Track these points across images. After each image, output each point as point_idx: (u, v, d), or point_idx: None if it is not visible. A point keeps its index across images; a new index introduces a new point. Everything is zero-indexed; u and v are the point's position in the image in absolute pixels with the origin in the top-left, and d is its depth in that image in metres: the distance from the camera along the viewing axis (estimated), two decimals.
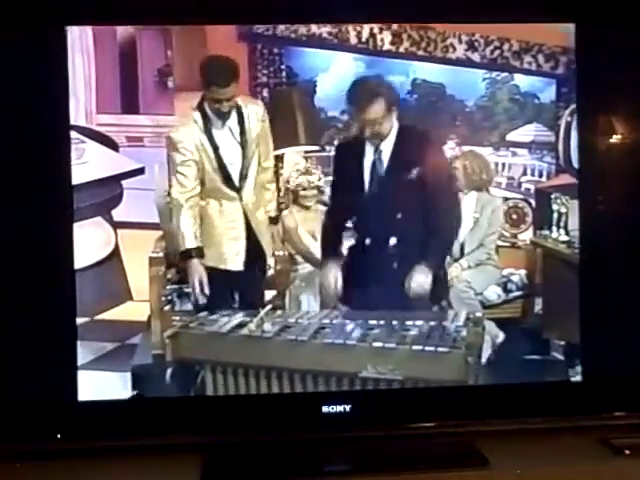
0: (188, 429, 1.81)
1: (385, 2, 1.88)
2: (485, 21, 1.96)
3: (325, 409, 1.83)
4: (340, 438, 1.83)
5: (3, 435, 1.75)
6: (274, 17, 1.90)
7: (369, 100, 1.92)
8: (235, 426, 1.84)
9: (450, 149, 2.04)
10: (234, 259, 2.00)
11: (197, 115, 1.95)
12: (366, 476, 1.72)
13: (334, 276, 1.98)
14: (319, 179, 2.10)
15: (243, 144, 1.98)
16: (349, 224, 2.01)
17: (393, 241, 1.97)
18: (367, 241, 1.98)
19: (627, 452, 1.80)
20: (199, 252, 1.95)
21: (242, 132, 1.98)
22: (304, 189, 2.10)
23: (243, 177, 1.99)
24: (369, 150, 1.98)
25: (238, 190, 1.99)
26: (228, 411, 1.86)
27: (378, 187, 1.97)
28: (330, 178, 2.04)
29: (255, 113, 1.98)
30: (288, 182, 2.10)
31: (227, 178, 1.98)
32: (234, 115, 1.97)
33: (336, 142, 2.02)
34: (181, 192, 1.95)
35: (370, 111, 1.92)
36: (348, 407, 1.83)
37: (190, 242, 1.95)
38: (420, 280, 1.94)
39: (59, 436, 1.77)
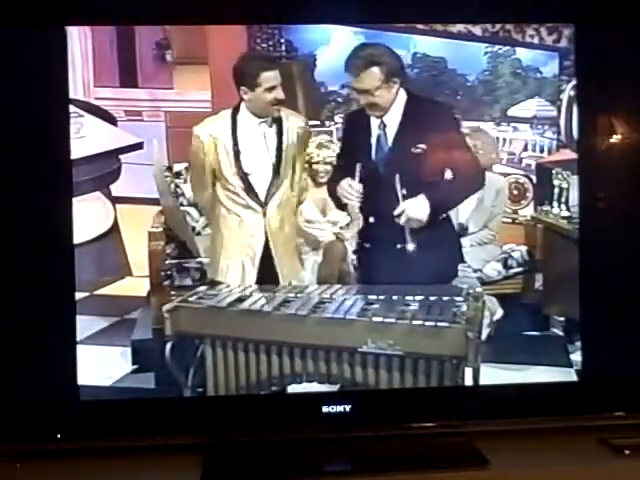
0: (188, 429, 1.82)
1: (385, 2, 1.87)
2: (484, 21, 1.95)
3: (325, 409, 1.83)
4: (340, 438, 1.82)
5: (3, 435, 1.75)
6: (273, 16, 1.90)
7: (363, 68, 1.87)
8: (235, 426, 1.84)
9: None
10: (240, 277, 1.95)
11: (227, 114, 1.91)
12: (366, 476, 1.72)
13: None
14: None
15: (277, 158, 1.93)
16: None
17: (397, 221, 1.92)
18: (371, 219, 1.94)
19: (627, 452, 1.80)
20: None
21: (279, 146, 1.93)
22: (317, 163, 2.03)
23: (271, 193, 1.93)
24: (374, 124, 1.95)
25: (263, 205, 1.94)
26: (228, 411, 1.86)
27: (382, 163, 1.94)
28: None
29: (295, 126, 1.93)
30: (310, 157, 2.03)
31: (249, 187, 1.93)
32: (273, 125, 1.92)
33: (341, 113, 1.98)
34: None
35: (363, 79, 1.89)
36: (348, 407, 1.83)
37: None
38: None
39: (59, 436, 1.76)
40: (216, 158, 1.93)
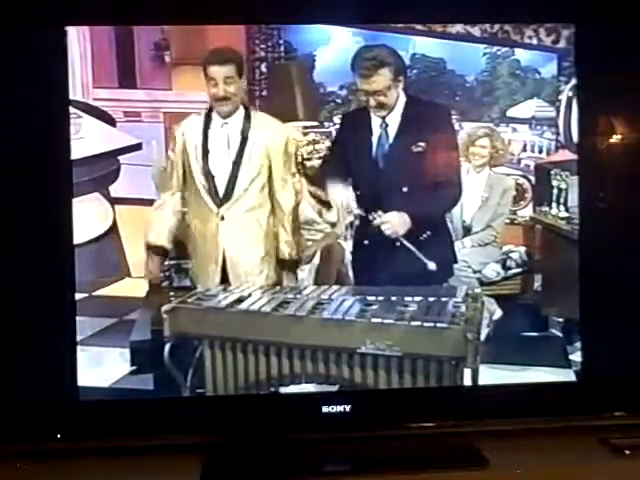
0: (188, 429, 1.81)
1: (385, 3, 1.87)
2: (484, 21, 1.95)
3: (325, 409, 1.83)
4: (340, 438, 1.82)
5: (3, 435, 1.75)
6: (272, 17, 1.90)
7: (374, 69, 1.89)
8: (235, 426, 1.84)
9: (479, 127, 2.03)
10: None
11: (202, 114, 1.91)
12: (366, 476, 1.72)
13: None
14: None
15: (236, 160, 1.91)
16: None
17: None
18: (370, 216, 1.94)
19: (627, 452, 1.80)
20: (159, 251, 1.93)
21: (241, 148, 1.92)
22: (310, 159, 2.01)
23: (227, 196, 1.92)
24: (375, 123, 1.96)
25: (219, 206, 1.93)
26: (228, 411, 1.86)
27: (384, 161, 1.95)
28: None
29: (270, 138, 1.91)
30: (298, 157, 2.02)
31: (213, 190, 1.92)
32: (238, 122, 1.91)
33: (340, 114, 1.99)
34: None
35: (374, 81, 1.90)
36: (348, 407, 1.84)
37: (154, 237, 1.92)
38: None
39: (59, 436, 1.77)
40: (187, 158, 1.93)
